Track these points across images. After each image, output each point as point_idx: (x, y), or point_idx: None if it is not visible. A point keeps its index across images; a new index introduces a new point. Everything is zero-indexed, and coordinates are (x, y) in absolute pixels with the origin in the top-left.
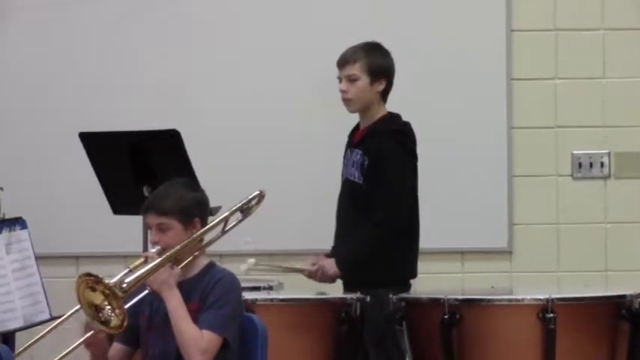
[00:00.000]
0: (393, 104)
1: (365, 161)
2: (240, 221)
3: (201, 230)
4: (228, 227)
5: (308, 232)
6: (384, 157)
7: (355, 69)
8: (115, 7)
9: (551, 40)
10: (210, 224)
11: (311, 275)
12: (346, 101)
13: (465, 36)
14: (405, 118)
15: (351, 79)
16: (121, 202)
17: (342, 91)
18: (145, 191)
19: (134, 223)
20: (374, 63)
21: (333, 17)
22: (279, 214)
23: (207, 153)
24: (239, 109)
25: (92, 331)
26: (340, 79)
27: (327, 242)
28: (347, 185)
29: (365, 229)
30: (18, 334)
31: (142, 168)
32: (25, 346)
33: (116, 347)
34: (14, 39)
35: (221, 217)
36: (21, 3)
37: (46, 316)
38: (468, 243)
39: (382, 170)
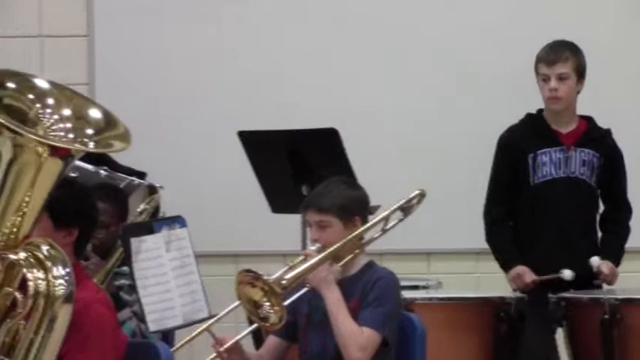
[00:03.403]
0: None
1: (599, 161)
2: (400, 220)
3: (362, 228)
4: (389, 226)
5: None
6: (621, 157)
7: (567, 67)
8: (276, 7)
9: None
10: (371, 222)
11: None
12: (555, 99)
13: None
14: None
15: (562, 78)
16: (280, 200)
17: (553, 90)
18: (304, 190)
19: (293, 221)
20: (581, 63)
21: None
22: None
23: (366, 151)
24: (398, 109)
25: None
26: (545, 77)
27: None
28: (572, 184)
29: (612, 225)
30: (178, 332)
31: (300, 166)
32: (182, 342)
33: (272, 339)
34: (171, 39)
35: (382, 216)
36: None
37: (206, 315)
38: (629, 242)
39: (622, 170)
